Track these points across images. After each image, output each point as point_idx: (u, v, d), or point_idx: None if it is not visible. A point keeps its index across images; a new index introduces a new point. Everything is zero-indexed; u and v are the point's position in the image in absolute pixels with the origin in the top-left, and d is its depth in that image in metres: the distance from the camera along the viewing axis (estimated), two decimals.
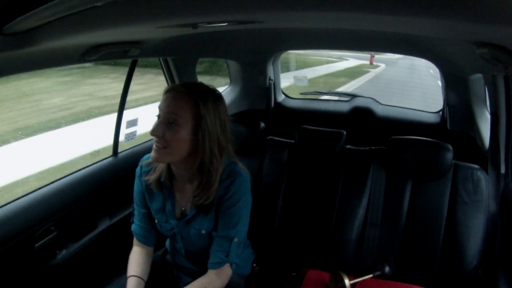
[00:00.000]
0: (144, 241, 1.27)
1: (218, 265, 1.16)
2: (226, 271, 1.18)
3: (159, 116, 1.10)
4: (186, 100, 1.08)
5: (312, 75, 8.80)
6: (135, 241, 1.29)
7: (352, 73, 9.83)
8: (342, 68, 11.12)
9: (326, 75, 9.62)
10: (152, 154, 1.11)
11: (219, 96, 1.15)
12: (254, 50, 2.23)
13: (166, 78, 2.08)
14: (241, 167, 1.20)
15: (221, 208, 1.16)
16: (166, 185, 1.20)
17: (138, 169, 1.26)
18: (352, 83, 8.70)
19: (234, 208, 1.15)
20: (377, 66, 11.95)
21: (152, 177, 1.20)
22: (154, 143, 1.09)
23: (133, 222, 1.29)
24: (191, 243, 1.24)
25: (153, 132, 1.08)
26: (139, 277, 1.19)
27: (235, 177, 1.16)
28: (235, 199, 1.15)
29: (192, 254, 1.28)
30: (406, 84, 8.23)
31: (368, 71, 10.77)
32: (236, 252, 1.18)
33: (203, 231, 1.19)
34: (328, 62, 11.47)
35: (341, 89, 7.85)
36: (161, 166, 1.20)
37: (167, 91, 1.13)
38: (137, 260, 1.24)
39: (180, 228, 1.22)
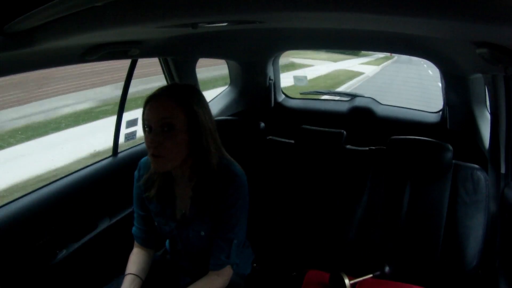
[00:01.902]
0: (144, 244, 1.27)
1: (220, 266, 1.16)
2: (227, 272, 1.18)
3: (150, 128, 1.06)
4: (175, 101, 1.06)
5: (370, 59, 17.88)
6: (135, 243, 1.29)
7: (387, 58, 18.89)
8: (381, 56, 19.27)
9: (378, 58, 18.33)
10: (153, 165, 1.08)
11: (199, 91, 1.15)
12: (254, 50, 2.23)
13: (166, 78, 2.08)
14: (238, 166, 1.19)
15: (219, 210, 1.16)
16: (166, 189, 1.20)
17: (136, 173, 1.25)
18: (390, 60, 18.24)
19: (233, 209, 1.15)
20: (394, 56, 20.39)
21: (152, 192, 1.18)
22: (152, 153, 1.06)
23: (134, 224, 1.29)
24: (191, 244, 1.23)
25: (152, 143, 1.04)
26: (135, 274, 1.19)
27: (232, 178, 1.15)
28: (233, 200, 1.15)
29: (192, 255, 1.27)
30: (410, 61, 17.21)
31: (392, 57, 19.29)
32: (237, 253, 1.18)
33: (202, 233, 1.19)
34: (369, 54, 19.11)
35: (387, 63, 17.05)
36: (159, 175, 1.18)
37: (149, 100, 1.07)
38: (135, 260, 1.24)
39: (179, 230, 1.22)
